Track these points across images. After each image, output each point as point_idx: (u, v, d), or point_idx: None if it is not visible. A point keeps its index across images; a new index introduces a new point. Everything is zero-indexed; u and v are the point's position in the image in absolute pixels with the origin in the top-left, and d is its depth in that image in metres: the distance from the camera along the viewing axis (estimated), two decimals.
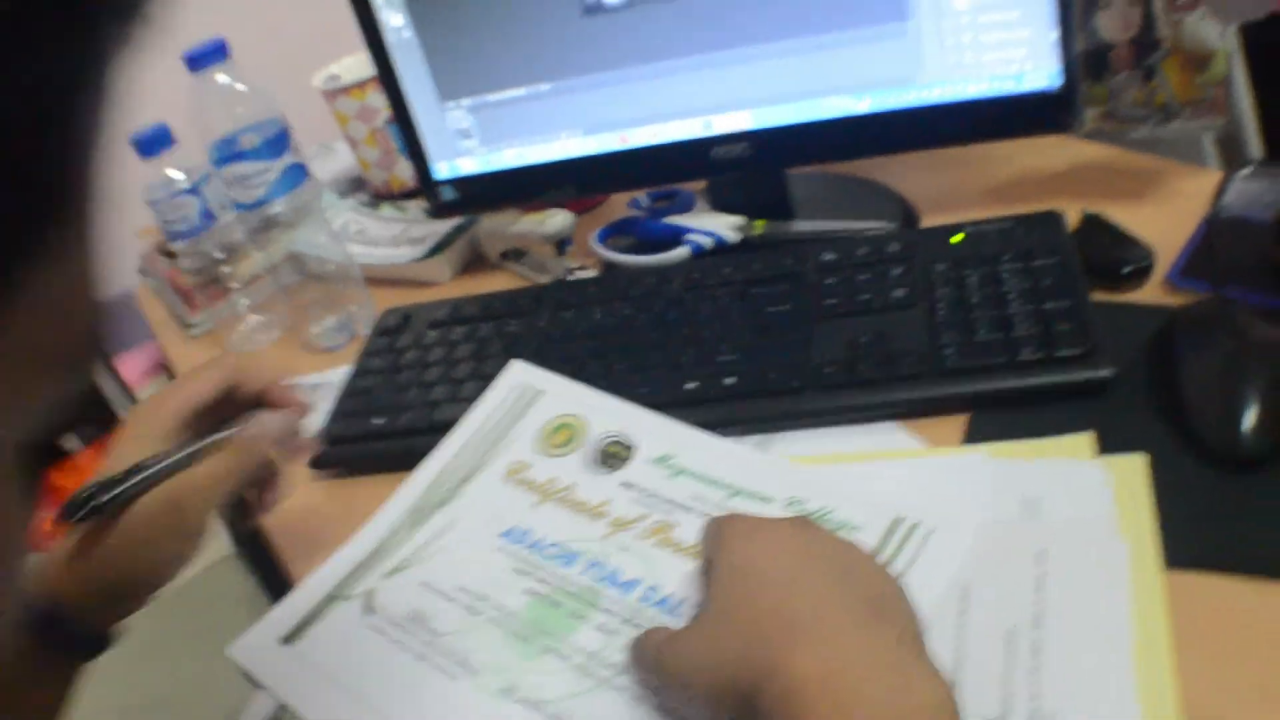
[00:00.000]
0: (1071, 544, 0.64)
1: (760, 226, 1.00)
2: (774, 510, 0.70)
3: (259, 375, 0.74)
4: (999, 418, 0.75)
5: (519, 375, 0.85)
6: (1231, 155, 1.04)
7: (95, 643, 0.66)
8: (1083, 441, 0.71)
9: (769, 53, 0.91)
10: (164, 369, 1.33)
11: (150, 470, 0.66)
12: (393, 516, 0.78)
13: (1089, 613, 0.60)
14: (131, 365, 1.58)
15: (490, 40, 0.96)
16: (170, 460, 0.67)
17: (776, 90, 0.93)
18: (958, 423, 0.76)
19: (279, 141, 1.17)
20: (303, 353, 1.12)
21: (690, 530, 0.70)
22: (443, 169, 1.05)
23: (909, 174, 1.04)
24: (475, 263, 1.16)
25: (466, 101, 1.00)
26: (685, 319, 0.88)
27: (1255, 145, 1.04)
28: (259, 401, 0.74)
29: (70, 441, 1.25)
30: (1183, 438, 0.70)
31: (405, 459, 0.83)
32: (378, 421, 0.90)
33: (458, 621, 0.69)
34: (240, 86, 1.15)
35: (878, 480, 0.73)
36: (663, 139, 0.97)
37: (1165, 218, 0.89)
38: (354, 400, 0.94)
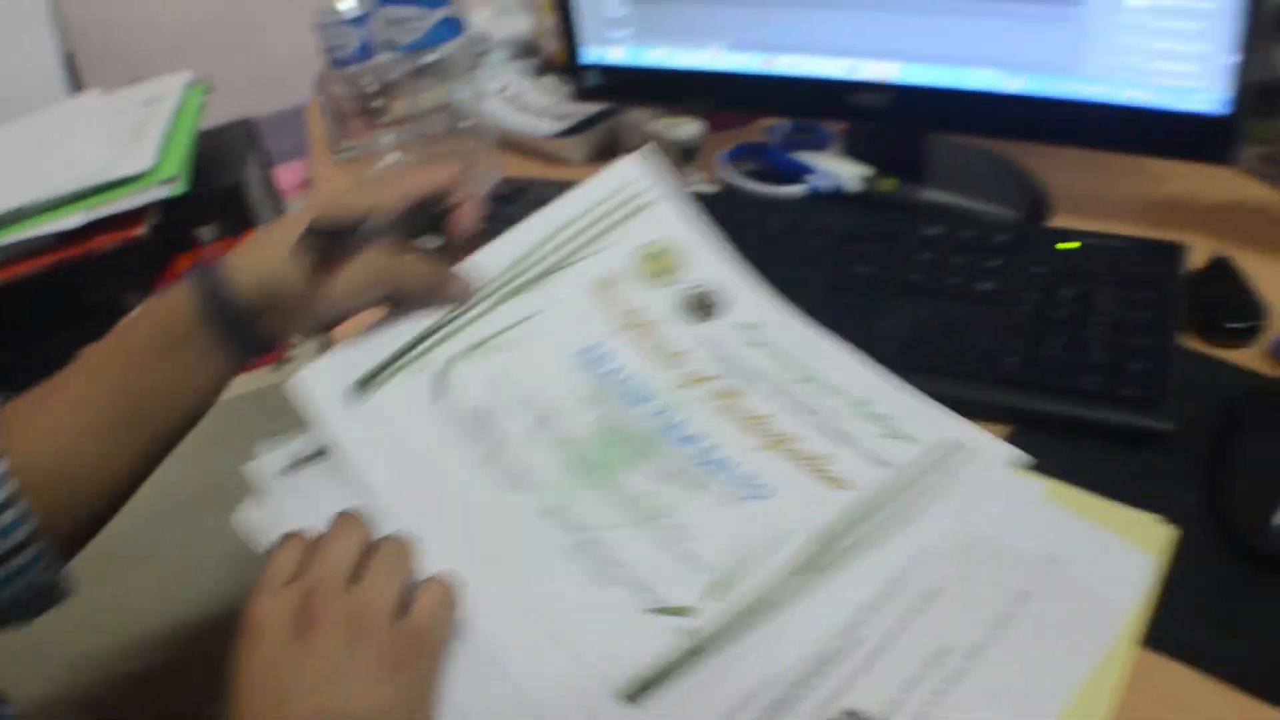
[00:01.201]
0: (1062, 602, 0.61)
1: (888, 184, 0.96)
2: (840, 403, 0.72)
3: (466, 193, 0.76)
4: (1043, 441, 0.71)
5: (630, 172, 0.83)
6: None
7: (255, 345, 0.71)
8: (1149, 527, 0.65)
9: (930, 7, 0.87)
10: (310, 186, 1.37)
11: (375, 224, 0.70)
12: (479, 276, 0.77)
13: (1033, 668, 0.58)
14: (286, 175, 1.63)
15: None
16: (390, 219, 0.71)
17: (929, 48, 0.89)
18: (999, 433, 0.73)
19: None
20: None
21: (757, 400, 0.73)
22: (592, 53, 1.04)
23: (1058, 166, 0.98)
24: (611, 151, 1.15)
25: None
26: (775, 255, 0.86)
27: None
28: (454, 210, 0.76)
29: (205, 233, 1.29)
30: (1218, 517, 0.66)
31: None
32: None
33: (525, 433, 0.71)
34: None
35: (955, 425, 0.72)
36: (805, 71, 0.94)
37: None
38: None
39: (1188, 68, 0.81)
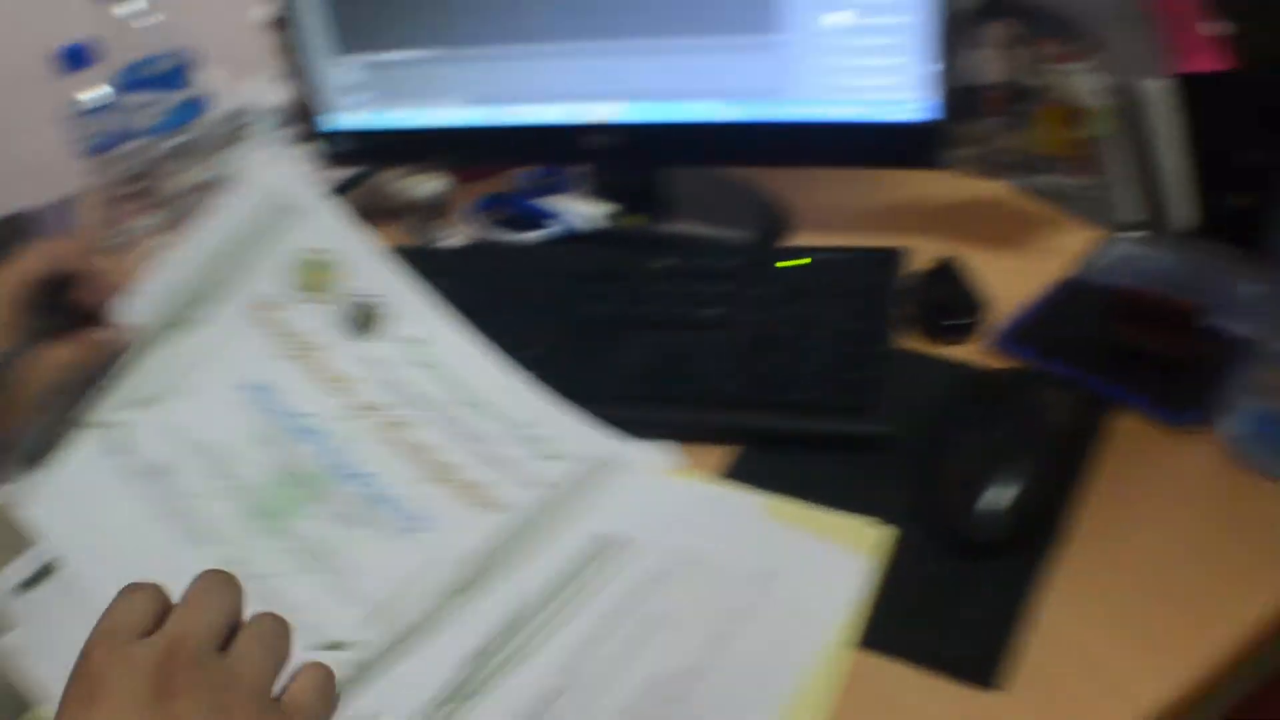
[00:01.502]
0: (776, 615, 0.62)
1: (634, 220, 0.98)
2: (498, 430, 0.73)
3: (77, 258, 0.74)
4: (769, 457, 0.73)
5: (275, 181, 0.78)
6: (1157, 215, 1.00)
7: None
8: (864, 530, 0.67)
9: (642, 49, 0.89)
10: None
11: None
12: (128, 327, 0.74)
13: (750, 683, 0.59)
14: None
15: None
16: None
17: (649, 86, 0.91)
18: (731, 454, 0.75)
19: (176, 75, 1.17)
20: None
21: (424, 431, 0.73)
22: (332, 120, 1.04)
23: (797, 185, 1.01)
24: (369, 213, 1.14)
25: (362, 58, 0.99)
26: (517, 298, 0.87)
27: (1181, 207, 0.99)
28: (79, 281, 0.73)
29: None
30: (927, 511, 0.68)
31: None
32: None
33: (203, 483, 0.70)
34: (157, 17, 1.15)
35: (628, 476, 0.72)
36: (536, 119, 0.95)
37: (1029, 272, 0.86)
38: None
39: (890, 80, 0.84)
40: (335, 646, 0.62)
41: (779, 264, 0.84)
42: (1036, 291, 0.84)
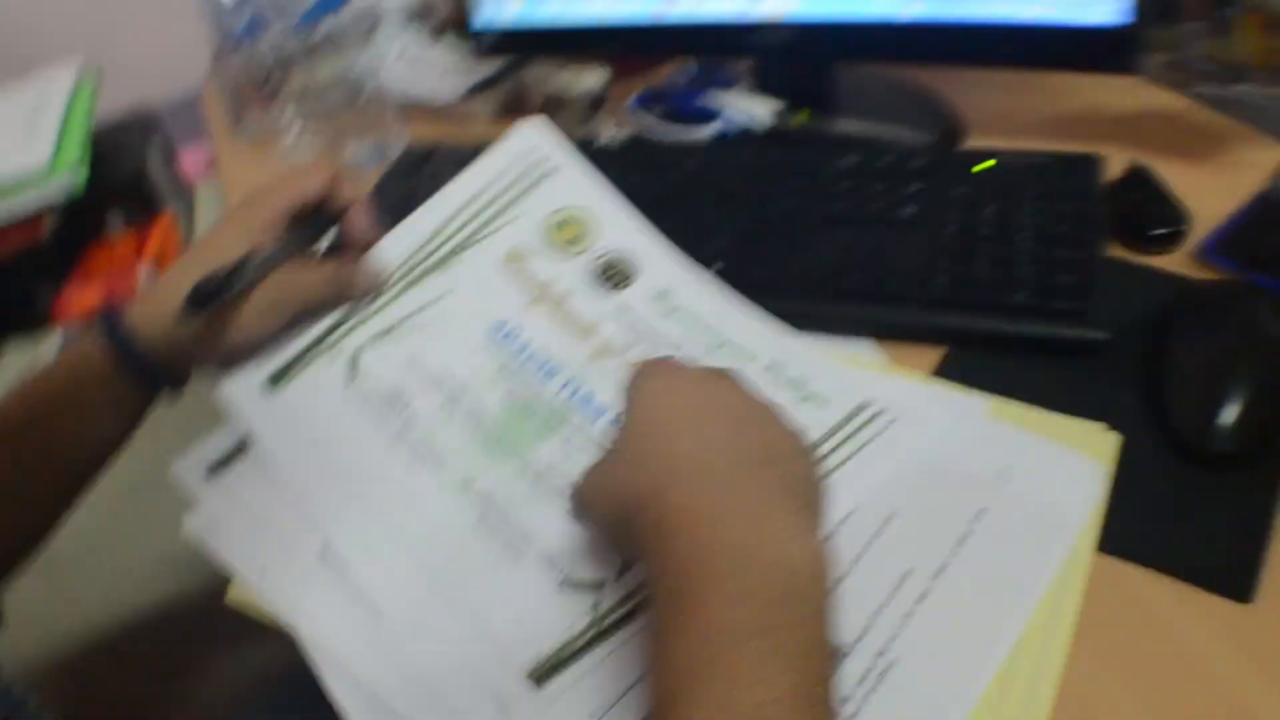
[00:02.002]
0: (1017, 516, 0.61)
1: (800, 118, 0.95)
2: (754, 369, 0.70)
3: (352, 190, 0.75)
4: (978, 359, 0.71)
5: (531, 139, 0.81)
6: None
7: (166, 382, 0.71)
8: (1094, 435, 0.65)
9: None
10: (214, 169, 1.33)
11: (259, 263, 0.69)
12: (384, 266, 0.76)
13: (996, 582, 0.58)
14: (190, 159, 1.59)
15: None
16: (275, 254, 0.70)
17: None
18: (934, 355, 0.73)
19: None
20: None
21: None
22: (487, 13, 1.01)
23: (969, 89, 0.98)
24: (517, 108, 1.12)
25: None
26: (691, 197, 0.85)
27: None
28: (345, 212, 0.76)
29: (113, 221, 1.26)
30: (1159, 420, 0.66)
31: None
32: None
33: (436, 411, 0.70)
34: None
35: (868, 385, 0.70)
36: (702, 15, 0.92)
37: (1220, 185, 0.83)
38: None
39: None
40: (587, 586, 0.61)
41: (975, 166, 0.81)
42: (1231, 205, 0.81)
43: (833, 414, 0.67)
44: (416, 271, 0.76)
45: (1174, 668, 0.55)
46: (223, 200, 1.24)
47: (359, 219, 0.75)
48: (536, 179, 0.79)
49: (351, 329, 0.73)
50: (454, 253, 0.76)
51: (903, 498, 0.62)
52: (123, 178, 1.29)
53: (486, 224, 0.78)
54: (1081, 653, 0.56)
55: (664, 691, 0.46)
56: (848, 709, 0.54)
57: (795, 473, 0.54)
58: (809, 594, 0.48)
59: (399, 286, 0.75)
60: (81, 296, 1.41)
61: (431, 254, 0.76)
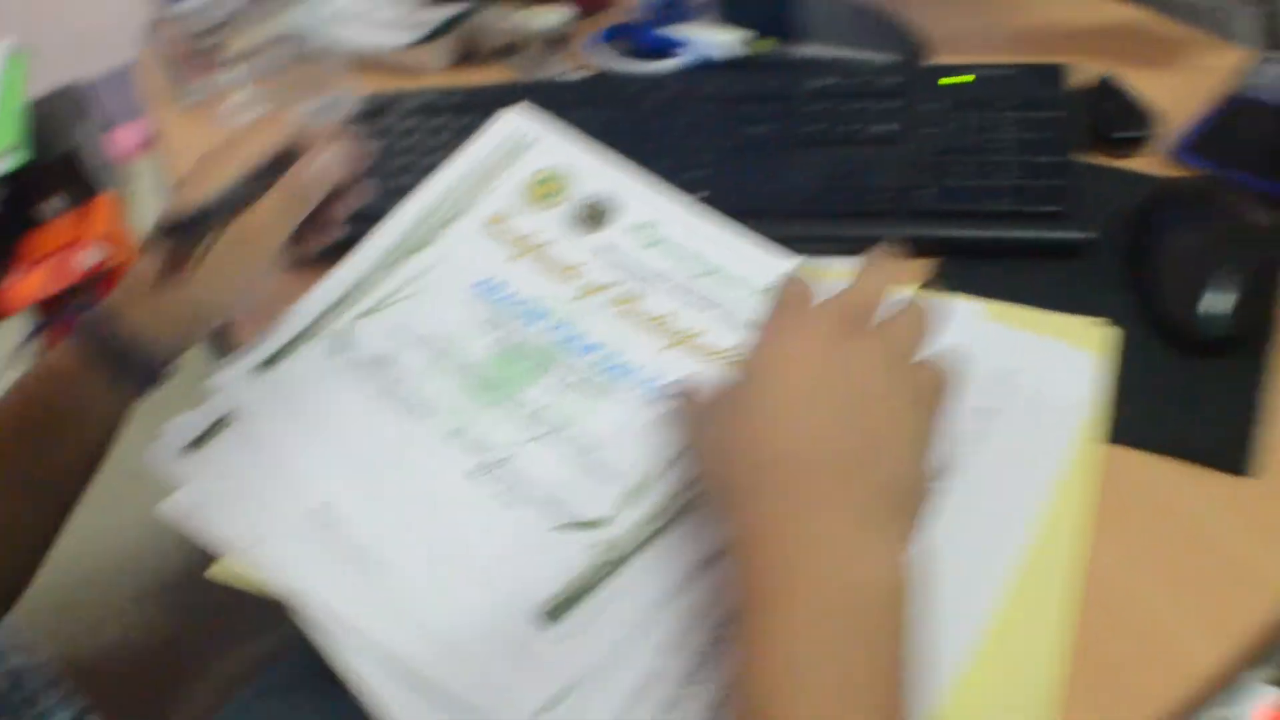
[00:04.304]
0: (1025, 412, 0.62)
1: (763, 45, 0.95)
2: (740, 295, 0.70)
3: (320, 137, 0.72)
4: (968, 267, 0.72)
5: (512, 124, 0.81)
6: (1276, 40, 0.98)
7: (148, 374, 0.69)
8: (1089, 329, 0.66)
9: None
10: (154, 144, 1.30)
11: (221, 201, 0.67)
12: (371, 256, 0.76)
13: (1012, 478, 0.59)
14: (126, 137, 1.55)
15: None
16: (235, 191, 0.67)
17: None
18: (924, 267, 0.73)
19: None
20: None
21: (657, 301, 0.70)
22: None
23: (930, 8, 0.98)
24: (470, 56, 1.11)
25: None
26: (664, 129, 0.84)
27: None
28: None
29: (51, 206, 1.22)
30: (1149, 312, 0.68)
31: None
32: None
33: (422, 366, 0.69)
34: None
35: None
36: None
37: (1185, 90, 0.84)
38: None
39: None
40: (589, 525, 0.60)
41: (945, 80, 0.82)
42: (1197, 108, 0.82)
43: None
44: (401, 252, 0.76)
45: (1181, 539, 0.58)
46: (164, 174, 1.21)
47: (327, 158, 0.71)
48: (515, 154, 0.79)
49: (335, 315, 0.73)
50: (438, 229, 0.76)
51: None
52: (58, 158, 1.26)
53: (469, 199, 0.78)
54: (1095, 534, 0.58)
55: (743, 711, 0.47)
56: None
57: (894, 471, 0.51)
58: (887, 618, 0.48)
59: (383, 269, 0.75)
60: (25, 286, 1.37)
61: (416, 236, 0.77)
